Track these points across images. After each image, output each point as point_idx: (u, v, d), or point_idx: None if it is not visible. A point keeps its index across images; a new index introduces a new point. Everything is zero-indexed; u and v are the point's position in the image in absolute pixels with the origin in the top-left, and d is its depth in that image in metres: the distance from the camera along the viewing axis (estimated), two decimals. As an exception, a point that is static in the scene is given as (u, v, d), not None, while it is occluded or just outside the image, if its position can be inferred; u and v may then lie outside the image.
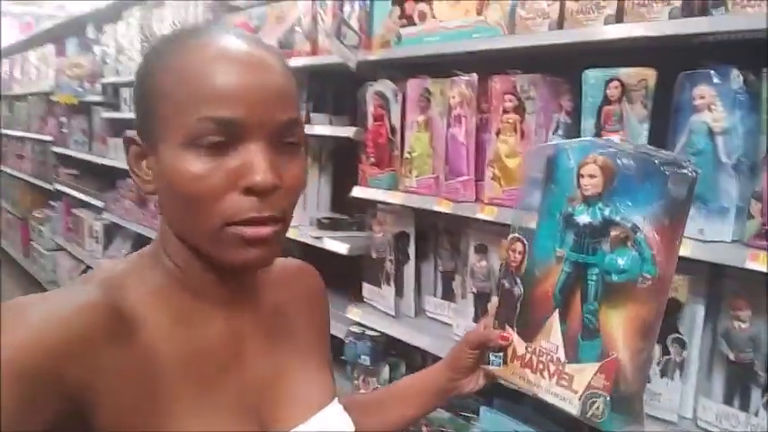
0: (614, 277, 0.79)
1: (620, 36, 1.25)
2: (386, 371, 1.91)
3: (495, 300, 0.95)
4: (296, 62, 2.21)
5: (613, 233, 0.80)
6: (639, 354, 0.79)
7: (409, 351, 1.87)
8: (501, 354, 0.90)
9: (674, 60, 1.20)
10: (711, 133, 1.14)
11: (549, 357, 0.85)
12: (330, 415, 0.76)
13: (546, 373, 0.86)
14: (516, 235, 0.90)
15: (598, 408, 0.81)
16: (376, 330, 1.86)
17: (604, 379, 0.80)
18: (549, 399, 0.85)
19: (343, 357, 1.95)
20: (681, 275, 1.18)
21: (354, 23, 1.93)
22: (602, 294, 0.81)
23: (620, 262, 0.79)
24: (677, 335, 1.19)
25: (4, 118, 6.16)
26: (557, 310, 0.85)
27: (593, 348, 0.82)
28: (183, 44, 0.65)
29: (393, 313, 1.85)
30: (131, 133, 0.67)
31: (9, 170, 6.11)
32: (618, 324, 0.80)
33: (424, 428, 1.80)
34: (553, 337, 0.85)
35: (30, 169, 5.46)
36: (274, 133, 0.64)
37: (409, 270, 1.86)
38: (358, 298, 2.00)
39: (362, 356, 1.88)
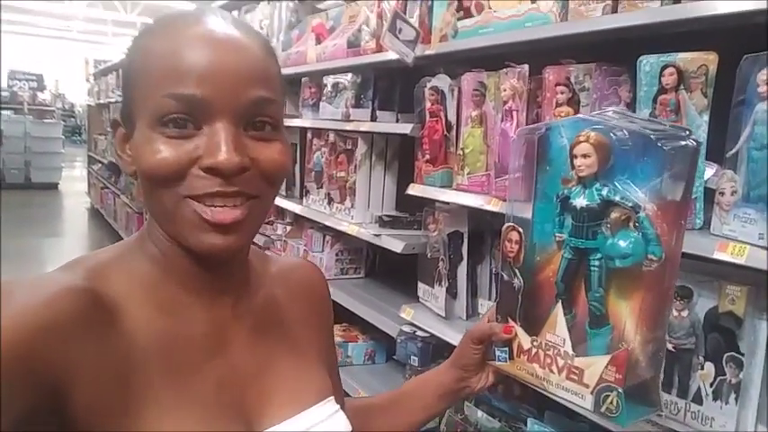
0: (617, 263, 0.73)
1: (678, 18, 1.12)
2: (437, 373, 1.85)
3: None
4: (362, 60, 2.22)
5: (614, 215, 0.73)
6: (651, 341, 0.74)
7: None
8: (506, 348, 0.86)
9: (739, 44, 1.06)
10: (779, 124, 0.99)
11: (556, 351, 0.81)
12: (322, 414, 0.73)
13: (554, 368, 0.81)
14: (511, 224, 0.85)
15: (612, 402, 0.76)
16: (426, 331, 1.81)
17: (616, 372, 0.76)
18: (561, 394, 0.81)
19: (394, 357, 1.93)
20: (739, 286, 1.03)
21: (415, 19, 1.89)
22: (606, 280, 0.75)
23: (623, 245, 0.73)
24: (733, 353, 1.04)
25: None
26: (560, 302, 0.80)
27: (602, 336, 0.77)
28: (159, 29, 0.65)
29: (444, 314, 1.79)
30: (117, 117, 0.68)
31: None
32: (627, 311, 0.74)
33: (472, 436, 1.73)
34: (558, 329, 0.80)
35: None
36: (242, 112, 0.62)
37: (462, 271, 1.79)
38: (414, 298, 1.96)
39: (412, 357, 1.84)
